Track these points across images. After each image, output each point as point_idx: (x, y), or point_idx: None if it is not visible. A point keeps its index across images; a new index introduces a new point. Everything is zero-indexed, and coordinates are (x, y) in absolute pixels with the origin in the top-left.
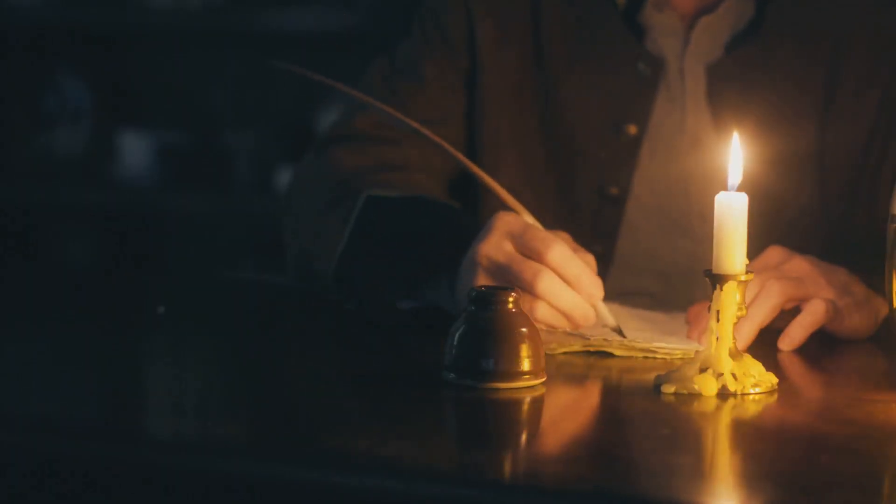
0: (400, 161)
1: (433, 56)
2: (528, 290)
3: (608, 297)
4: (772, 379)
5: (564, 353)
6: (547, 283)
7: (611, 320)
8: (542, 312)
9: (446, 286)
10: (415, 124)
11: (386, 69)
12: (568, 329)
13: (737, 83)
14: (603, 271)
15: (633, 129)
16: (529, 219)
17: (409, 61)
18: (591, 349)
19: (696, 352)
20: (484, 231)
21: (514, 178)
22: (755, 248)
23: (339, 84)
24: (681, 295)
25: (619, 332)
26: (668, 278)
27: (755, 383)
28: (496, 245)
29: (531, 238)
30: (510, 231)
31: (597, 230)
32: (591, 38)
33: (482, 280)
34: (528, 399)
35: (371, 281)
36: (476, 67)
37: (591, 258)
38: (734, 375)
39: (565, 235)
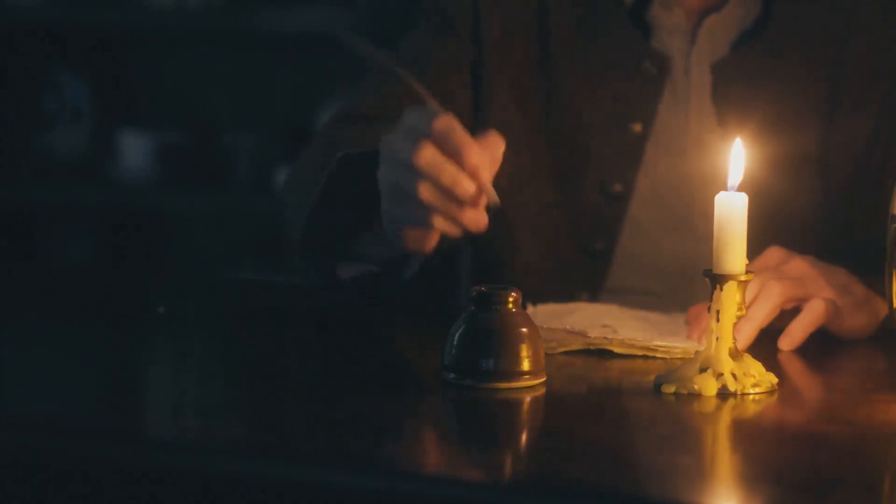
0: None
1: (442, 46)
2: (409, 166)
3: (609, 297)
4: (772, 379)
5: (564, 352)
6: (426, 156)
7: (494, 197)
8: (426, 192)
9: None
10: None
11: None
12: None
13: (742, 82)
14: (603, 268)
15: (638, 127)
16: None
17: (418, 52)
18: (591, 348)
19: (696, 352)
20: None
21: (517, 173)
22: (755, 248)
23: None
24: (682, 294)
25: (498, 207)
26: (670, 277)
27: (755, 383)
28: (394, 132)
29: (420, 115)
30: (409, 116)
31: (599, 227)
32: (597, 35)
33: (382, 171)
34: (528, 399)
35: (329, 234)
36: (481, 61)
37: (497, 140)
38: (734, 375)
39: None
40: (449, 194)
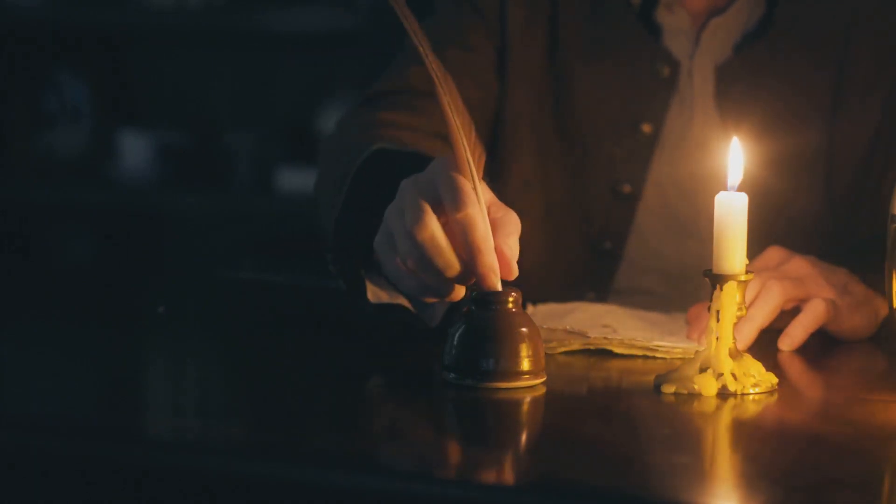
0: (424, 125)
1: (477, 28)
2: (408, 234)
3: (616, 297)
4: (772, 379)
5: (564, 352)
6: (427, 235)
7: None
8: (411, 262)
9: None
10: (440, 78)
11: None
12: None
13: (745, 84)
14: (611, 268)
15: (648, 128)
16: (466, 171)
17: (453, 31)
18: (591, 348)
19: (696, 352)
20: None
21: (528, 170)
22: (755, 248)
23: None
24: (686, 295)
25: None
26: (675, 278)
27: (755, 383)
28: (414, 181)
29: (440, 186)
30: (431, 172)
31: (607, 228)
32: (607, 35)
33: (388, 208)
34: (528, 399)
35: (359, 241)
36: (505, 51)
37: (515, 221)
38: (734, 375)
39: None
40: (436, 274)
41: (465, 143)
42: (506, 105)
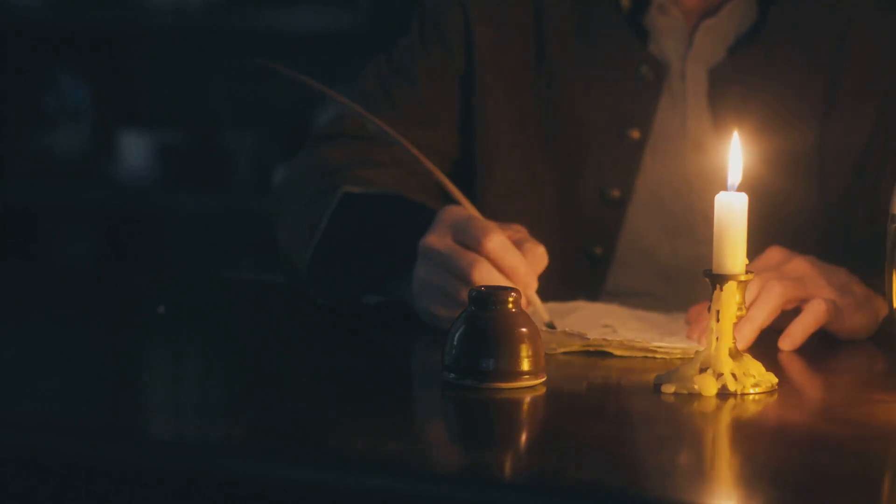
0: (386, 160)
1: (429, 58)
2: (464, 279)
3: (608, 300)
4: (772, 379)
5: (564, 353)
6: (482, 273)
7: (544, 314)
8: None
9: (406, 282)
10: (390, 129)
11: (382, 68)
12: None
13: (738, 86)
14: (603, 272)
15: (635, 134)
16: (474, 212)
17: (405, 62)
18: (591, 349)
19: (696, 352)
20: (431, 225)
21: (514, 179)
22: (755, 248)
23: (327, 88)
24: (682, 295)
25: (552, 326)
26: (670, 279)
27: (755, 383)
28: (438, 236)
29: (471, 228)
30: (453, 222)
31: (597, 232)
32: (594, 40)
33: (424, 271)
34: (528, 399)
35: (339, 275)
36: (473, 70)
37: (541, 249)
38: (734, 375)
39: (518, 227)
40: None
41: (457, 190)
42: (482, 122)
